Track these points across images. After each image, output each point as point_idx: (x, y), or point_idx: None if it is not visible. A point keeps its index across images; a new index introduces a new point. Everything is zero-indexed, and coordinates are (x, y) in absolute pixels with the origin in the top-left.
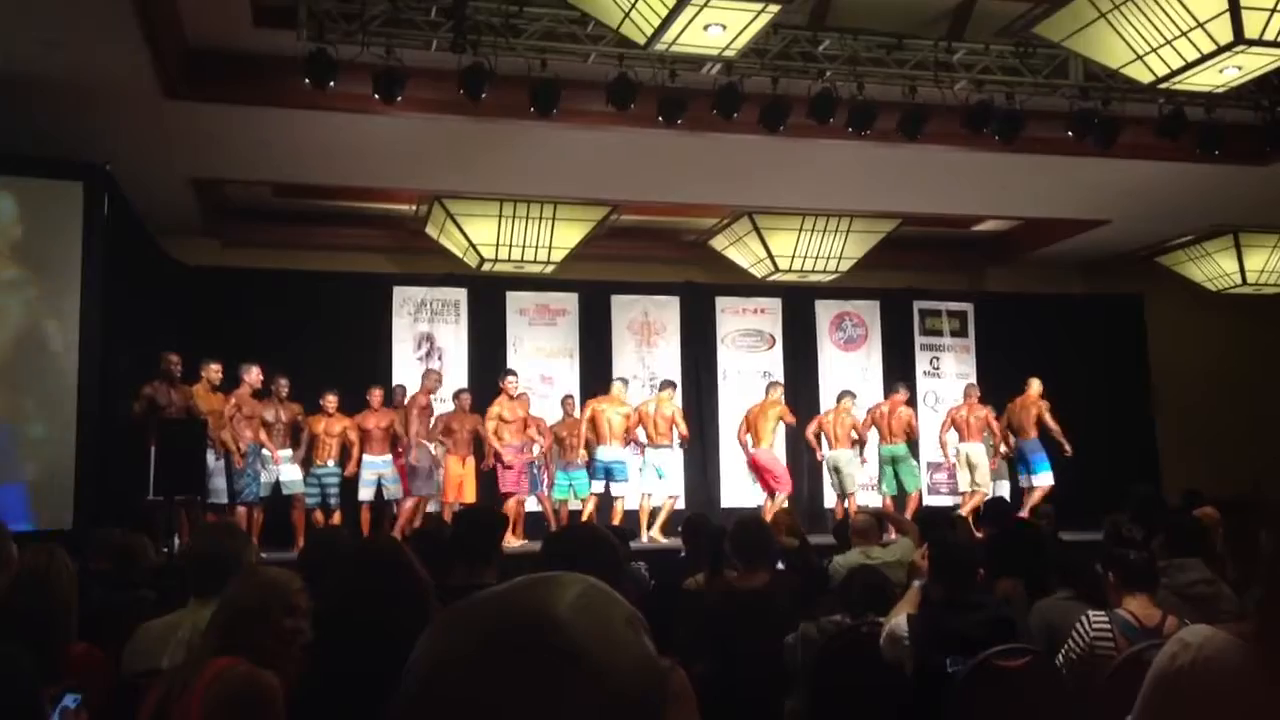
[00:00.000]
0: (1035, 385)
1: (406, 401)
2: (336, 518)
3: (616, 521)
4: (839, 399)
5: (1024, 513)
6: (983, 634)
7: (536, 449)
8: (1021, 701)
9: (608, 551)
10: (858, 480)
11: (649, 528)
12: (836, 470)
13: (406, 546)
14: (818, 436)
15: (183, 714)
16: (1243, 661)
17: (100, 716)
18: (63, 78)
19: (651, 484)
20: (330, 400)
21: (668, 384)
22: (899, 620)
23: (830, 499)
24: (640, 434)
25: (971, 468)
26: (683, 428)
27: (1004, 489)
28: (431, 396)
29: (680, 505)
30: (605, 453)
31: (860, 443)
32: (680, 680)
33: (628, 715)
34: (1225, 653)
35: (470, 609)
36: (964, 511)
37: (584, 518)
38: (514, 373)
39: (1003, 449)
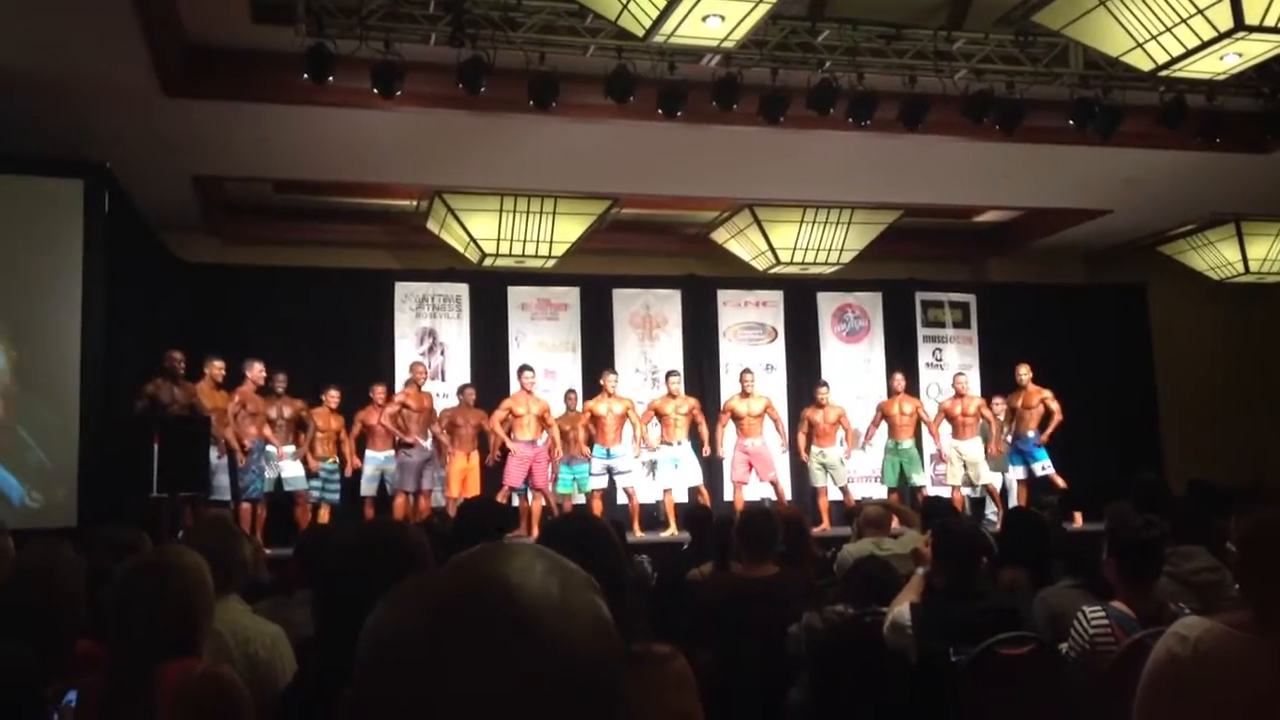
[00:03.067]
0: (1027, 372)
1: (398, 397)
2: (324, 513)
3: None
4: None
5: (1023, 502)
6: (986, 622)
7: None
8: (1025, 690)
9: (608, 540)
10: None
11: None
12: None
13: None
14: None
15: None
16: (1241, 652)
17: None
18: (62, 76)
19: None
20: (331, 396)
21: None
22: (902, 609)
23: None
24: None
25: (968, 465)
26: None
27: (997, 480)
28: (421, 389)
29: (680, 497)
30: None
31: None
32: (681, 667)
33: (582, 681)
34: (1224, 644)
35: (424, 579)
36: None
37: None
38: (530, 369)
39: (1007, 438)
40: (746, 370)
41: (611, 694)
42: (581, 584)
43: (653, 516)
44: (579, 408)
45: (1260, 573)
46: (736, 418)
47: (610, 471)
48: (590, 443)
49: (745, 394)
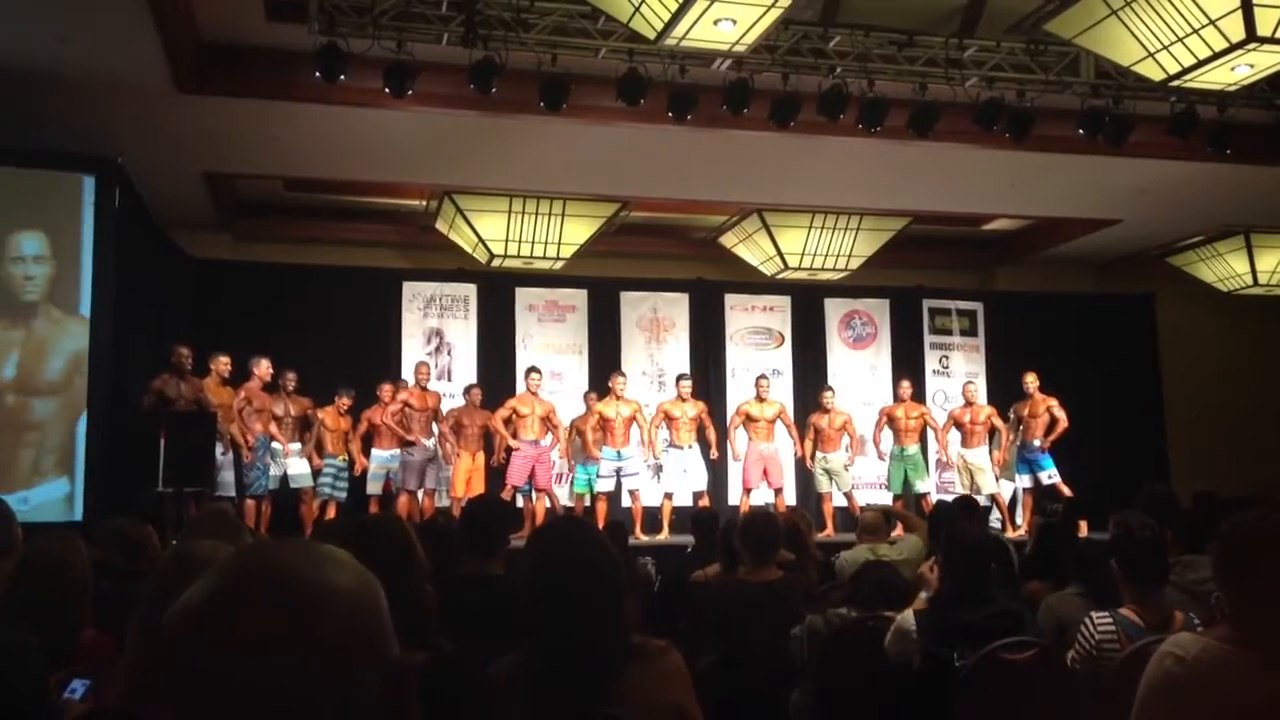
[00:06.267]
0: (1034, 380)
1: (401, 396)
2: (330, 510)
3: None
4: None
5: (1029, 511)
6: (992, 627)
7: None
8: (1027, 695)
9: (599, 542)
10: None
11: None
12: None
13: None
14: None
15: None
16: (1233, 668)
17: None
18: (76, 71)
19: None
20: (343, 402)
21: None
22: (907, 614)
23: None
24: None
25: (974, 472)
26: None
27: (1007, 490)
28: (425, 388)
29: (682, 501)
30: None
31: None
32: (677, 661)
33: (327, 653)
34: (1219, 661)
35: (221, 561)
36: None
37: (600, 514)
38: (537, 370)
39: (1010, 444)
40: (763, 376)
41: (352, 666)
42: (345, 571)
43: (655, 519)
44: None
45: (1236, 581)
46: (751, 420)
47: (619, 473)
48: (597, 444)
49: (761, 398)
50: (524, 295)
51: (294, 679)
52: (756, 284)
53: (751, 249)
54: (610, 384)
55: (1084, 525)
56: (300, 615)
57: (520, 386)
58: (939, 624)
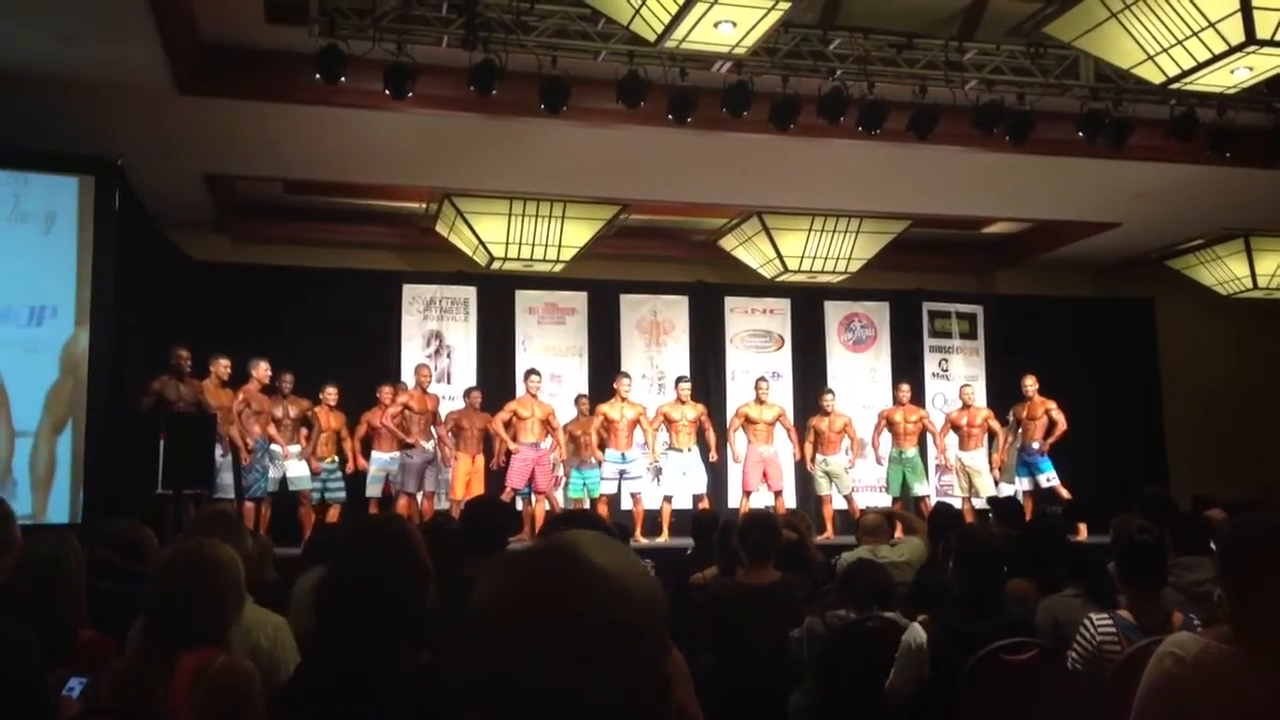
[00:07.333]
0: (1033, 383)
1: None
2: (332, 513)
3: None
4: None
5: (1029, 514)
6: (1001, 636)
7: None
8: (1027, 696)
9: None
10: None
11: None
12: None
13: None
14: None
15: (166, 713)
16: (1233, 668)
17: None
18: (76, 73)
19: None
20: (330, 394)
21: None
22: (915, 629)
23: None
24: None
25: (971, 475)
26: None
27: (1006, 493)
28: (425, 391)
29: (682, 504)
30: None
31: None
32: (677, 661)
33: (645, 617)
34: (1220, 662)
35: (511, 555)
36: None
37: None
38: (537, 373)
39: (1009, 446)
40: (762, 378)
41: (656, 632)
42: (630, 553)
43: (655, 522)
44: (589, 412)
45: (1237, 580)
46: (750, 423)
47: (622, 475)
48: (602, 446)
49: (760, 401)
50: (524, 298)
51: (589, 670)
52: (756, 287)
53: (751, 251)
54: (614, 385)
55: (1083, 528)
56: (609, 609)
57: (520, 389)
58: (950, 634)
